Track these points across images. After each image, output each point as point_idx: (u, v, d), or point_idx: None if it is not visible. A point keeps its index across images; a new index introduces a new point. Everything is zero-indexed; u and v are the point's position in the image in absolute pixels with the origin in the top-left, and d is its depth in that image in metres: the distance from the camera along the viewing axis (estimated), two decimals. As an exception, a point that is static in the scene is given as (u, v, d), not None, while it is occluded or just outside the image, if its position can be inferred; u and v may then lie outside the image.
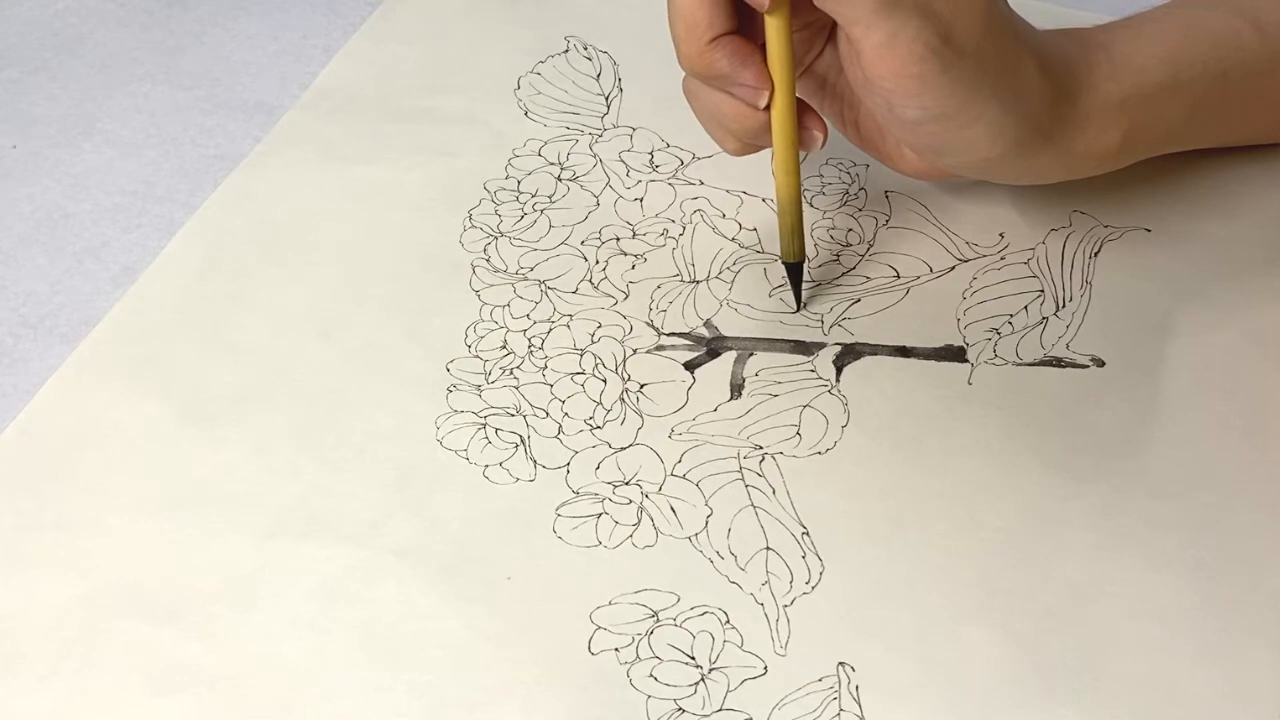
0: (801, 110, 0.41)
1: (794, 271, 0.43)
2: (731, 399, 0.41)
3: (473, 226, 0.47)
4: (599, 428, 0.41)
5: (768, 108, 0.40)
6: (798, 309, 0.44)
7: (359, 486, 0.40)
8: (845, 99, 0.44)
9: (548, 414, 0.41)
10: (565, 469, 0.40)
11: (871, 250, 0.46)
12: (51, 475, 0.40)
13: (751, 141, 0.42)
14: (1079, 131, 0.42)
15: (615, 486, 0.39)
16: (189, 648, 0.36)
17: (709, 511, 0.39)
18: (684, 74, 0.41)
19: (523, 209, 0.48)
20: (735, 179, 0.48)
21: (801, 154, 0.42)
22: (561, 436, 0.41)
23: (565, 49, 0.54)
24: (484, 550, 0.38)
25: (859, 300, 0.44)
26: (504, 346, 0.43)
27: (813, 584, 0.37)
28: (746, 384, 0.42)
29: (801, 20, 0.40)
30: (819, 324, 0.43)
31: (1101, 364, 0.42)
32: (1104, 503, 0.38)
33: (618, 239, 0.46)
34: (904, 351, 0.43)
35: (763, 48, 0.39)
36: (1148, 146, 0.44)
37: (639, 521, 0.39)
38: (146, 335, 0.44)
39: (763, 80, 0.39)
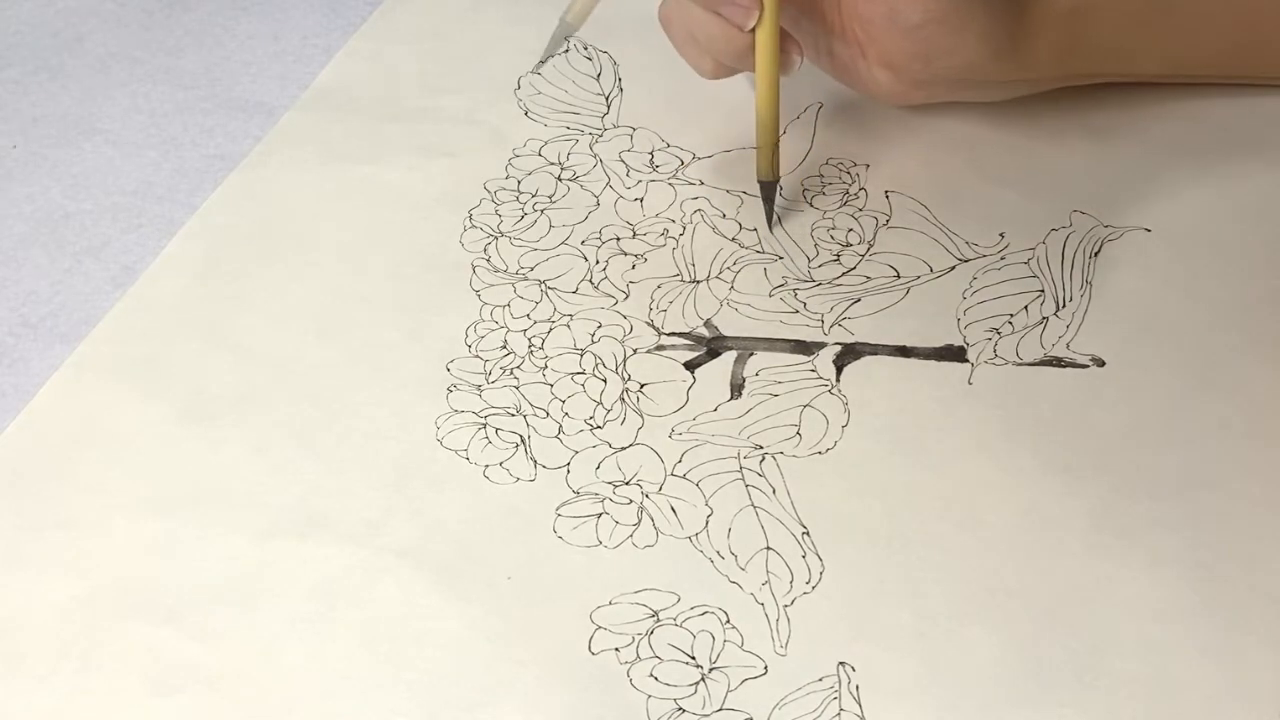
0: (781, 35, 0.44)
1: (768, 190, 0.46)
2: (731, 399, 0.41)
3: (473, 226, 0.47)
4: (599, 428, 0.41)
5: (753, 30, 0.43)
6: (770, 229, 0.46)
7: (359, 486, 0.40)
8: (821, 25, 0.46)
9: (548, 414, 0.41)
10: (565, 469, 0.40)
11: (871, 250, 0.46)
12: (51, 475, 0.40)
13: (731, 65, 0.44)
14: (1030, 39, 0.44)
15: (615, 486, 0.39)
16: (189, 648, 0.36)
17: (709, 511, 0.39)
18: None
19: (523, 209, 0.48)
20: (735, 179, 0.48)
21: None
22: (562, 436, 0.41)
23: (565, 49, 0.54)
24: (484, 550, 0.38)
25: (859, 300, 0.44)
26: (504, 346, 0.43)
27: (813, 584, 0.37)
28: (746, 384, 0.42)
29: None
30: (819, 324, 0.43)
31: (1101, 364, 0.42)
32: (1104, 503, 0.38)
33: (618, 239, 0.46)
34: (904, 351, 0.43)
35: None
36: (1087, 60, 0.47)
37: (639, 521, 0.39)
38: (146, 335, 0.44)
39: (753, 1, 0.42)
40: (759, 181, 0.46)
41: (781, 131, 0.49)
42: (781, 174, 0.48)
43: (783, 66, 0.44)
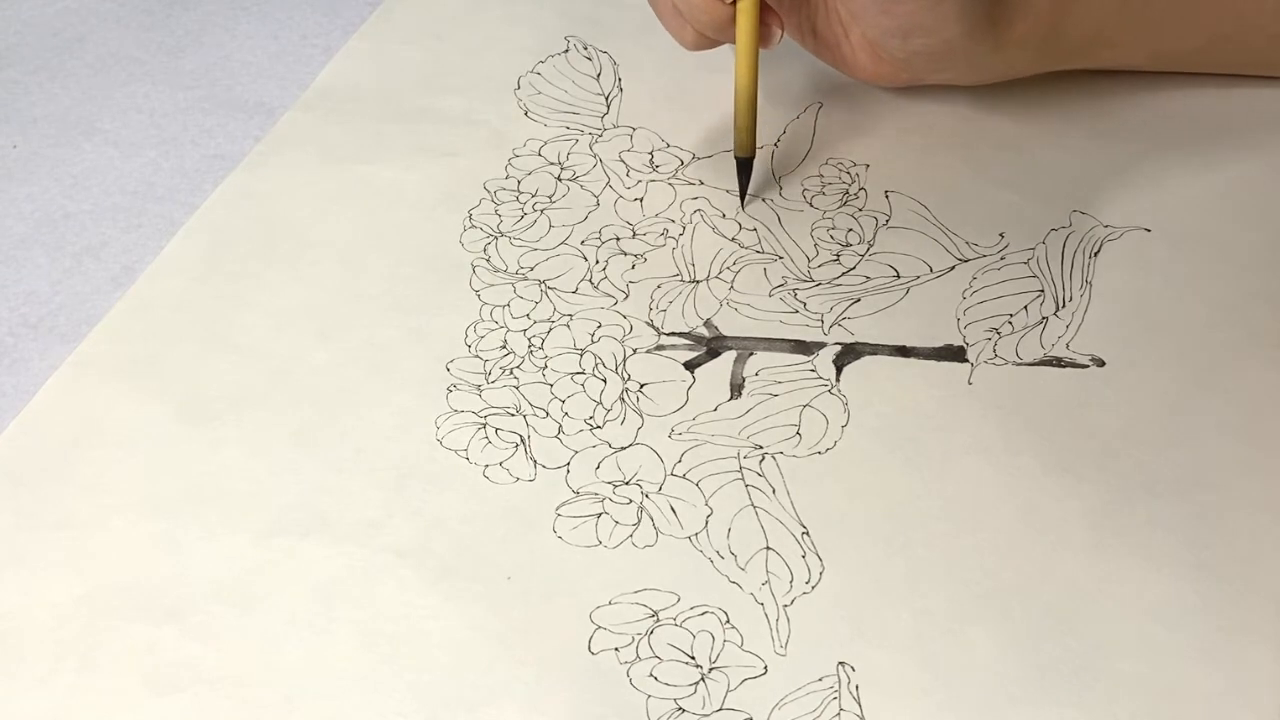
0: (762, 8, 0.44)
1: (743, 167, 0.46)
2: (731, 399, 0.41)
3: (473, 226, 0.47)
4: (599, 427, 0.41)
5: (734, 2, 0.43)
6: (742, 206, 0.47)
7: (359, 486, 0.40)
8: (805, 3, 0.47)
9: (548, 414, 0.41)
10: (565, 469, 0.40)
11: (871, 250, 0.46)
12: (51, 475, 0.40)
13: (712, 36, 0.45)
14: (1008, 23, 0.45)
15: (615, 486, 0.39)
16: (189, 648, 0.36)
17: (709, 511, 0.39)
18: None
19: (523, 209, 0.48)
20: (735, 179, 0.48)
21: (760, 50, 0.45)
22: (561, 436, 0.41)
23: (565, 49, 0.54)
24: (484, 550, 0.38)
25: (859, 300, 0.44)
26: (504, 346, 0.43)
27: (813, 584, 0.37)
28: (746, 384, 0.42)
29: None
30: (819, 324, 0.43)
31: (1101, 364, 0.42)
32: (1104, 503, 0.38)
33: (618, 239, 0.46)
34: (904, 351, 0.43)
35: None
36: (1067, 47, 0.47)
37: (639, 521, 0.39)
38: (146, 335, 0.44)
39: None
40: (735, 158, 0.46)
41: (782, 132, 0.49)
42: (782, 174, 0.48)
43: (762, 39, 0.44)
